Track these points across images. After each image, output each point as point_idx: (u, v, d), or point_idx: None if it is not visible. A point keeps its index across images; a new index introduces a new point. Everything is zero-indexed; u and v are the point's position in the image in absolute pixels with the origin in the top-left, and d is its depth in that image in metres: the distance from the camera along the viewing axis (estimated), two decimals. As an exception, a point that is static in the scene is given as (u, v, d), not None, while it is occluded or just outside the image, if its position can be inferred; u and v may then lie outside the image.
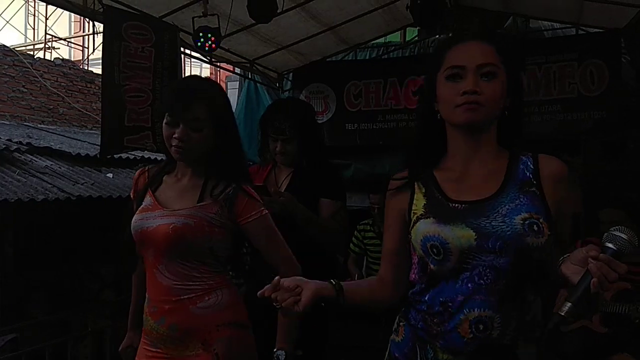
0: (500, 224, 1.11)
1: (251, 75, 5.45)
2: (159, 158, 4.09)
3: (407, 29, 5.49)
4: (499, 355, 1.13)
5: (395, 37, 5.82)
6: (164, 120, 1.50)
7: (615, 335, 2.66)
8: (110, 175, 4.23)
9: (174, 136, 1.47)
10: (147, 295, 1.55)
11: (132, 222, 1.52)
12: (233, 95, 6.91)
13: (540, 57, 4.68)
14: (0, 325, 2.81)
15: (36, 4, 9.49)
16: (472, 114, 1.13)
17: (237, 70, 5.64)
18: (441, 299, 1.15)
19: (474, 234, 1.11)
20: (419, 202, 1.22)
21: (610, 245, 1.00)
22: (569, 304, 0.98)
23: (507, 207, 1.13)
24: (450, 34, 1.35)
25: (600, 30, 4.60)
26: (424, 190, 1.23)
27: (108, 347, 3.24)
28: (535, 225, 1.10)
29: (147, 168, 1.66)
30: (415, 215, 1.21)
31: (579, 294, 0.98)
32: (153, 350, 1.52)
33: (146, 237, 1.49)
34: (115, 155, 4.00)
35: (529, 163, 1.18)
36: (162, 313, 1.49)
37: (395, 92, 5.21)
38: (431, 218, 1.17)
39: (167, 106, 1.52)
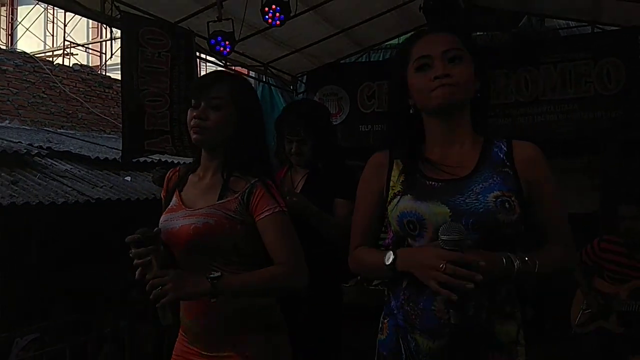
0: (474, 201, 1.16)
1: (265, 78, 5.50)
2: (176, 162, 4.15)
3: (422, 29, 5.50)
4: (477, 336, 1.15)
5: (409, 38, 5.83)
6: (189, 109, 1.49)
7: (633, 334, 2.64)
8: (128, 178, 4.31)
9: (193, 115, 1.46)
10: None
11: (160, 222, 1.52)
12: (248, 98, 6.98)
13: (556, 55, 4.65)
14: (24, 325, 2.88)
15: (55, 11, 9.68)
16: (448, 95, 1.18)
17: (252, 73, 5.69)
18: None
19: (448, 210, 1.16)
20: (397, 180, 1.27)
21: (445, 245, 1.08)
22: (451, 311, 1.09)
23: (480, 185, 1.18)
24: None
25: (617, 29, 4.55)
26: (401, 167, 1.27)
27: (128, 347, 3.29)
28: (506, 203, 1.15)
29: (178, 168, 1.65)
30: (393, 192, 1.26)
31: (446, 302, 1.08)
32: (190, 347, 1.52)
33: (172, 238, 1.48)
34: (134, 159, 4.07)
35: (502, 146, 1.24)
36: (196, 313, 1.49)
37: (409, 93, 5.21)
38: (408, 195, 1.22)
39: (191, 92, 1.51)
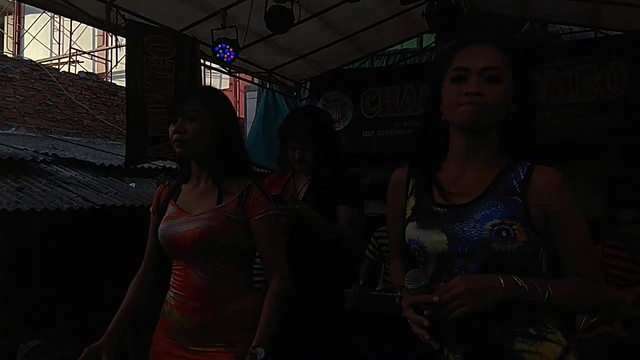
0: (471, 229, 1.13)
1: (269, 85, 5.53)
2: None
3: (424, 35, 5.51)
4: (494, 351, 1.14)
5: (412, 44, 5.84)
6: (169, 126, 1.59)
7: (638, 340, 2.62)
8: (133, 184, 4.34)
9: (173, 130, 1.56)
10: (175, 291, 1.60)
11: (159, 230, 1.61)
12: (252, 104, 7.01)
13: (560, 60, 4.65)
14: (28, 331, 2.90)
15: (61, 19, 9.77)
16: (474, 114, 1.13)
17: (256, 80, 5.73)
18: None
19: (446, 238, 1.15)
20: (410, 203, 1.26)
21: (411, 292, 1.12)
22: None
23: (482, 213, 1.14)
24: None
25: (620, 33, 4.56)
26: (415, 191, 1.26)
27: (131, 354, 3.30)
28: (504, 231, 1.10)
29: (167, 182, 1.74)
30: (407, 217, 1.25)
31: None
32: (173, 342, 1.58)
33: (175, 243, 1.57)
34: (137, 165, 4.10)
35: (521, 172, 1.17)
36: (191, 310, 1.55)
37: (412, 98, 5.22)
38: (415, 222, 1.21)
39: (169, 110, 1.62)
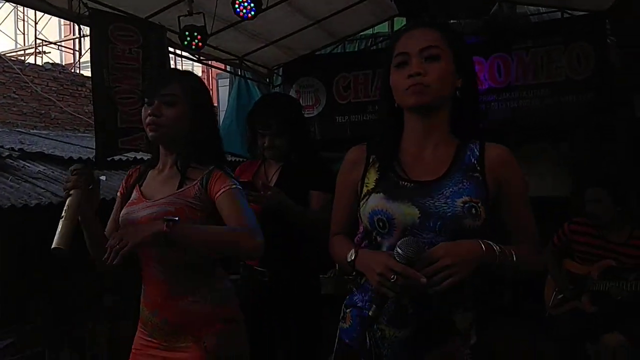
0: (443, 204, 1.18)
1: (241, 72, 5.46)
2: (151, 158, 4.10)
3: (395, 19, 5.50)
4: (439, 326, 1.21)
5: (383, 27, 5.83)
6: (143, 107, 1.53)
7: (605, 313, 2.71)
8: (103, 177, 4.25)
9: (148, 113, 1.49)
10: (143, 287, 1.58)
11: (120, 215, 1.55)
12: (224, 92, 6.93)
13: (527, 41, 4.72)
14: (1, 331, 2.84)
15: (25, 9, 9.45)
16: (420, 96, 1.20)
17: (228, 67, 5.65)
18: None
19: (418, 212, 1.18)
20: (371, 177, 1.29)
21: (398, 258, 1.12)
22: (373, 306, 1.15)
23: (450, 189, 1.20)
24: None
25: (585, 13, 4.62)
26: (377, 166, 1.29)
27: (105, 350, 3.27)
28: (473, 209, 1.18)
29: (138, 167, 1.69)
30: (367, 189, 1.28)
31: (378, 299, 1.14)
32: (148, 339, 1.56)
33: None
34: (108, 158, 4.02)
35: (475, 150, 1.25)
36: (156, 305, 1.53)
37: (385, 82, 5.23)
38: (381, 193, 1.24)
39: (145, 90, 1.56)
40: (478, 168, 1.22)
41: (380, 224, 1.22)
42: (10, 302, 3.73)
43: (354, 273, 1.30)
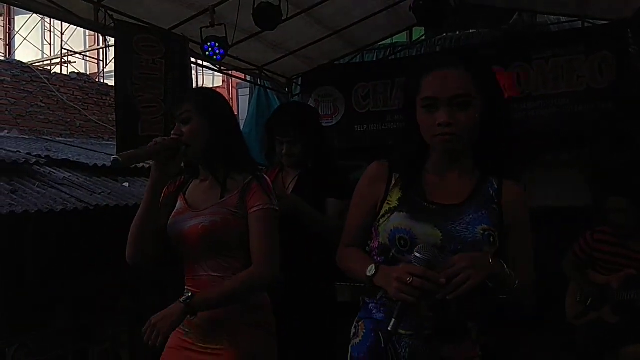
0: (464, 230, 1.22)
1: (261, 82, 5.54)
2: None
3: (414, 28, 5.53)
4: (453, 330, 1.27)
5: (402, 37, 5.87)
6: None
7: (627, 324, 2.66)
8: (126, 184, 4.34)
9: (171, 136, 1.58)
10: (186, 286, 1.63)
11: (168, 225, 1.63)
12: (244, 101, 7.02)
13: (548, 51, 4.68)
14: (22, 334, 2.90)
15: (52, 20, 9.73)
16: (448, 144, 1.24)
17: (248, 77, 5.73)
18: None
19: (440, 234, 1.22)
20: (394, 195, 1.31)
21: (416, 262, 1.16)
22: (393, 320, 1.15)
23: (471, 216, 1.23)
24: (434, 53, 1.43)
25: (607, 22, 4.59)
26: (400, 185, 1.32)
27: (127, 353, 3.33)
28: (491, 237, 1.23)
29: (182, 177, 1.75)
30: (389, 207, 1.30)
31: (398, 310, 1.16)
32: (184, 339, 1.61)
33: (181, 238, 1.59)
34: (130, 165, 4.11)
35: (494, 184, 1.29)
36: None
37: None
38: (404, 212, 1.26)
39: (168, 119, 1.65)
40: (496, 200, 1.27)
41: (402, 242, 1.24)
42: (34, 307, 3.82)
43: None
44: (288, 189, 2.23)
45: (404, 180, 1.31)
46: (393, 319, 1.15)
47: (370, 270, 1.23)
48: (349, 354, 1.36)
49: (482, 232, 1.21)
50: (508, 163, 1.32)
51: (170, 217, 1.64)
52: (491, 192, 1.28)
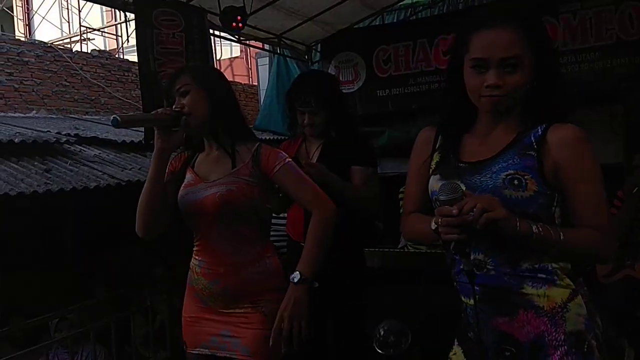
0: (488, 179, 1.21)
1: (280, 50, 5.49)
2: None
3: (435, -14, 5.38)
4: (504, 292, 1.22)
5: (423, -5, 5.70)
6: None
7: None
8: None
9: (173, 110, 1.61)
10: (199, 259, 1.68)
11: (179, 197, 1.66)
12: (264, 71, 6.99)
13: (575, 3, 4.50)
14: (61, 307, 3.03)
15: (69, -2, 9.77)
16: (495, 104, 1.22)
17: (266, 46, 5.69)
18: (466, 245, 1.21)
19: (464, 188, 1.20)
20: (435, 159, 1.35)
21: (441, 204, 1.17)
22: (463, 260, 1.17)
23: (499, 166, 1.22)
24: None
25: (637, -31, 4.37)
26: (441, 149, 1.34)
27: (167, 321, 3.45)
28: (516, 180, 1.18)
29: (184, 152, 1.78)
30: (431, 170, 1.34)
31: (455, 250, 1.17)
32: (204, 306, 1.68)
33: (196, 208, 1.63)
34: (128, 127, 4.16)
35: (539, 131, 1.23)
36: (217, 275, 1.64)
37: (425, 53, 5.14)
38: (438, 175, 1.30)
39: (167, 96, 1.68)
40: (535, 147, 1.21)
41: (437, 203, 1.25)
42: (74, 280, 3.99)
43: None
44: (312, 159, 2.24)
45: (444, 143, 1.34)
46: (463, 259, 1.17)
47: (433, 224, 1.22)
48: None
49: (504, 177, 1.19)
50: (561, 109, 1.25)
51: (181, 190, 1.67)
52: (532, 139, 1.22)
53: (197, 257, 1.69)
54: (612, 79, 4.37)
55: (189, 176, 1.69)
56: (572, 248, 1.18)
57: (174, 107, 1.60)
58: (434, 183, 1.29)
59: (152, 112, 1.57)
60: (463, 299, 1.30)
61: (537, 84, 1.22)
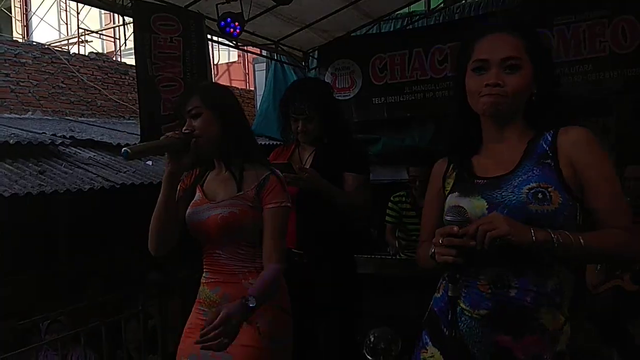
0: (510, 194, 1.19)
1: (277, 56, 5.52)
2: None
3: (432, -4, 5.44)
4: (518, 314, 1.19)
5: (420, 6, 5.75)
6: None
7: (646, 292, 2.68)
8: (150, 162, 4.44)
9: (183, 131, 1.62)
10: (205, 271, 1.71)
11: (186, 215, 1.70)
12: (261, 76, 7.01)
13: (569, 16, 4.57)
14: (53, 309, 3.03)
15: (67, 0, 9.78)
16: (495, 104, 1.21)
17: (264, 52, 5.72)
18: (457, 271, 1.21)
19: (486, 203, 1.21)
20: (450, 182, 1.35)
21: (447, 224, 1.18)
22: (450, 285, 1.18)
23: (519, 179, 1.21)
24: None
25: (631, -16, 4.43)
26: (455, 172, 1.35)
27: (160, 326, 3.44)
28: (540, 194, 1.16)
29: (196, 169, 1.80)
30: (446, 192, 1.34)
31: (448, 275, 1.18)
32: (204, 318, 1.67)
33: (200, 228, 1.67)
34: (139, 158, 4.18)
35: (548, 137, 1.23)
36: (217, 284, 1.67)
37: (421, 62, 5.20)
38: (456, 192, 1.29)
39: (176, 115, 1.70)
40: (550, 154, 1.21)
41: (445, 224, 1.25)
42: (68, 283, 3.98)
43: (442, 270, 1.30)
44: (305, 165, 2.26)
45: (455, 162, 1.34)
46: (450, 284, 1.18)
47: (431, 249, 1.22)
48: (430, 304, 1.39)
49: (527, 191, 1.17)
50: (564, 117, 1.25)
51: (189, 208, 1.70)
52: (545, 147, 1.22)
53: (204, 270, 1.73)
54: (604, 91, 4.43)
55: (197, 195, 1.73)
56: (599, 250, 1.16)
57: (184, 129, 1.62)
58: (452, 200, 1.27)
59: (162, 137, 1.58)
60: (466, 307, 1.25)
61: (537, 93, 1.24)
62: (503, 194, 1.20)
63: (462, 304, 1.25)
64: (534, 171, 1.20)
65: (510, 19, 1.28)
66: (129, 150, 1.48)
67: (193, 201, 1.72)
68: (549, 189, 1.16)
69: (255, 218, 1.64)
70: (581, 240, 1.12)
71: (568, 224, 1.17)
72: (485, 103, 1.21)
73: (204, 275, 1.72)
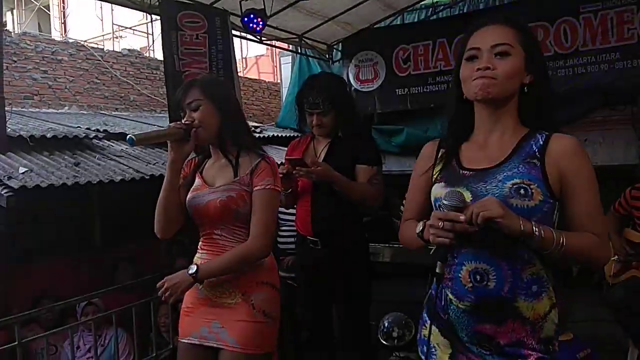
0: (493, 187, 1.25)
1: (301, 50, 5.60)
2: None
3: (456, -14, 5.40)
4: (498, 305, 1.26)
5: (444, -5, 5.73)
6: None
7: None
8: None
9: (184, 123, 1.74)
10: (201, 252, 1.84)
11: (187, 200, 1.83)
12: (287, 69, 7.12)
13: (596, 4, 4.48)
14: (88, 292, 3.21)
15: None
16: (486, 86, 1.25)
17: (291, 46, 5.80)
18: (449, 251, 1.28)
19: (470, 195, 1.26)
20: (437, 169, 1.40)
21: (446, 209, 1.21)
22: (438, 263, 1.22)
23: (504, 174, 1.26)
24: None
25: (660, -31, 4.32)
26: (443, 159, 1.39)
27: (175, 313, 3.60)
28: (522, 189, 1.22)
29: (194, 158, 1.93)
30: (434, 179, 1.39)
31: (437, 254, 1.22)
32: (199, 297, 1.82)
33: (200, 212, 1.80)
34: (143, 145, 4.31)
35: (540, 140, 1.28)
36: None
37: (445, 53, 5.19)
38: (442, 182, 1.34)
39: (176, 108, 1.82)
40: (538, 156, 1.26)
41: (441, 209, 1.28)
42: (102, 269, 4.20)
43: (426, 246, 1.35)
44: (320, 157, 2.35)
45: (447, 154, 1.38)
46: (438, 262, 1.22)
47: (418, 227, 1.29)
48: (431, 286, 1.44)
49: (510, 186, 1.22)
50: (556, 118, 1.31)
51: (189, 193, 1.83)
52: (534, 147, 1.27)
53: (200, 251, 1.85)
54: (632, 79, 4.34)
55: (197, 181, 1.85)
56: (574, 250, 1.22)
57: (184, 120, 1.74)
58: (438, 190, 1.32)
59: (165, 127, 1.72)
60: (452, 299, 1.31)
61: (529, 84, 1.28)
62: (487, 187, 1.25)
63: (449, 294, 1.32)
64: (519, 168, 1.25)
65: (506, 16, 1.32)
66: (134, 137, 1.61)
67: (193, 187, 1.84)
68: (532, 186, 1.22)
69: (250, 202, 1.75)
70: (562, 238, 1.19)
71: (544, 221, 1.22)
72: (477, 85, 1.26)
73: (199, 255, 1.84)
